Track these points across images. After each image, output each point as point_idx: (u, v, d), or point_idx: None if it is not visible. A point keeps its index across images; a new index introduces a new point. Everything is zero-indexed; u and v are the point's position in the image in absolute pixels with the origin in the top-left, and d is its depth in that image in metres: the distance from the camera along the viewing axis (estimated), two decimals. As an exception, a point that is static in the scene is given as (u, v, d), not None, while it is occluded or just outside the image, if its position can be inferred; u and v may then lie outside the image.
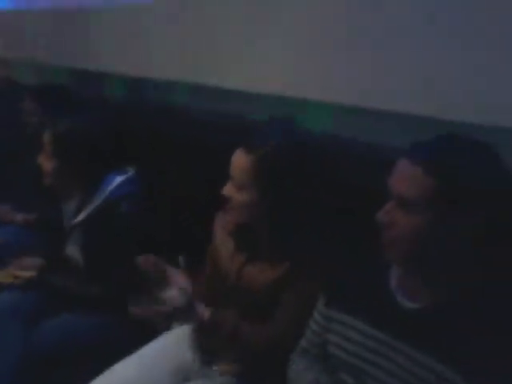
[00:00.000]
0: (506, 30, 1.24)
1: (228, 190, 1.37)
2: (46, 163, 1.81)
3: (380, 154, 1.42)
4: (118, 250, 1.71)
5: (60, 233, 1.91)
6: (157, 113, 2.21)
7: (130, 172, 1.84)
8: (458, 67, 1.33)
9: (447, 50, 1.35)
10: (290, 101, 1.72)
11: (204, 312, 1.34)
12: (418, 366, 1.00)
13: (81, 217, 1.80)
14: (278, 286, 1.34)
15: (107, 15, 2.53)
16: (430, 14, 1.37)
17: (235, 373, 1.38)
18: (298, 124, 1.62)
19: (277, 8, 1.77)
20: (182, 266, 1.40)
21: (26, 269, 1.84)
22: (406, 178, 1.00)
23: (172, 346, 1.51)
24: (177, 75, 2.14)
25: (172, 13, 2.18)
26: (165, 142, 2.04)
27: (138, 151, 2.03)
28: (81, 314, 1.71)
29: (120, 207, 1.75)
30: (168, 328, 1.57)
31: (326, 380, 1.16)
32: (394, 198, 1.02)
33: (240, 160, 1.35)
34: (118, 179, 1.79)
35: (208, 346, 1.44)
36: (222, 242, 1.49)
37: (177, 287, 1.33)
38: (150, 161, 2.00)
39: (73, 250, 1.86)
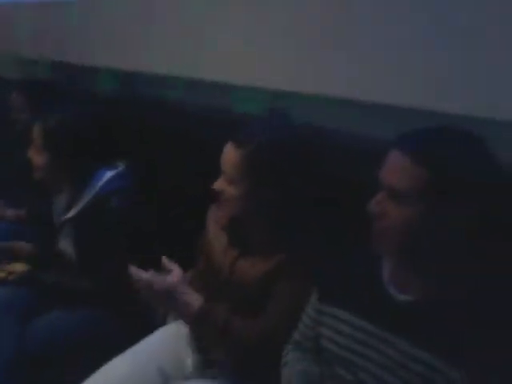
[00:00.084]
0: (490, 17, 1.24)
1: (219, 184, 1.37)
2: (36, 157, 1.80)
3: (370, 146, 1.42)
4: (108, 245, 1.71)
5: (51, 228, 1.90)
6: (148, 107, 2.20)
7: (121, 167, 1.84)
8: (447, 57, 1.33)
9: (434, 38, 1.35)
10: (281, 94, 1.72)
11: (196, 301, 1.33)
12: (410, 358, 1.00)
13: (72, 212, 1.79)
14: (270, 279, 1.33)
15: (96, 7, 2.51)
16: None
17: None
18: (289, 118, 1.61)
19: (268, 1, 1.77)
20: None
21: (18, 265, 1.83)
22: (396, 169, 1.00)
23: (167, 342, 1.51)
24: (168, 69, 2.13)
25: (163, 5, 2.16)
26: (156, 136, 2.03)
27: (129, 146, 2.02)
28: (73, 309, 1.71)
29: (110, 202, 1.74)
30: (163, 323, 1.56)
31: (314, 370, 1.16)
32: (384, 189, 1.02)
33: (230, 154, 1.35)
34: (109, 174, 1.79)
35: (199, 336, 1.43)
36: (215, 236, 1.48)
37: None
38: (141, 155, 2.00)
39: (65, 245, 1.85)
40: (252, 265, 1.38)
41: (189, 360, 1.46)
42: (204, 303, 1.34)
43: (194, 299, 1.34)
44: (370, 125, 1.50)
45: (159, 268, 1.71)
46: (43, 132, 1.78)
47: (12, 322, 1.68)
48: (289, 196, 1.35)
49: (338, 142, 1.54)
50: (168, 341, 1.51)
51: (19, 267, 1.84)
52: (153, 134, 2.05)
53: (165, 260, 1.41)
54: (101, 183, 1.76)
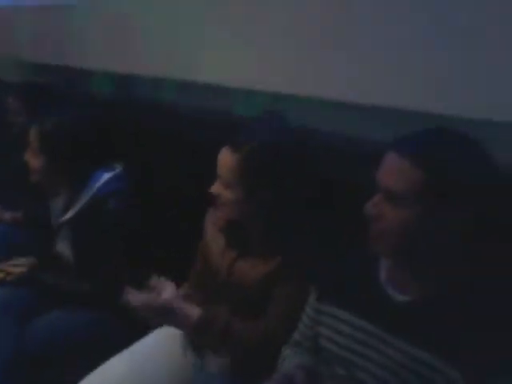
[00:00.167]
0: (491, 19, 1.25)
1: (216, 187, 1.37)
2: (33, 160, 1.79)
3: (367, 148, 1.42)
4: (106, 247, 1.71)
5: (49, 230, 1.90)
6: (143, 109, 2.20)
7: (118, 169, 1.83)
8: (446, 59, 1.33)
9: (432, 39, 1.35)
10: (278, 97, 1.72)
11: (194, 312, 1.33)
12: (409, 358, 1.01)
13: (69, 214, 1.79)
14: (269, 281, 1.34)
15: (94, 11, 2.51)
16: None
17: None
18: (285, 120, 1.62)
19: (265, 2, 1.77)
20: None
21: (17, 266, 1.83)
22: (393, 171, 1.00)
23: (164, 342, 1.51)
24: (164, 72, 2.13)
25: (159, 8, 2.16)
26: (152, 138, 2.03)
27: (126, 148, 2.02)
28: (72, 310, 1.71)
29: (108, 204, 1.74)
30: (160, 324, 1.56)
31: (310, 363, 1.17)
32: (381, 191, 1.02)
33: (226, 158, 1.35)
34: (106, 176, 1.79)
35: (200, 343, 1.43)
36: (213, 239, 1.49)
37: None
38: (137, 157, 1.99)
39: (63, 247, 1.85)
40: (251, 267, 1.38)
41: (185, 361, 1.46)
42: (202, 312, 1.34)
43: (192, 311, 1.34)
44: (367, 127, 1.50)
45: (155, 270, 1.72)
46: (40, 135, 1.78)
47: (11, 322, 1.68)
48: (285, 198, 1.36)
49: (334, 144, 1.55)
50: (164, 342, 1.51)
51: (17, 268, 1.84)
52: (149, 136, 2.05)
53: (154, 280, 1.40)
54: (98, 185, 1.76)
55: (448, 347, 0.97)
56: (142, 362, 1.45)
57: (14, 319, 1.68)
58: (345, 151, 1.50)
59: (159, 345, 1.51)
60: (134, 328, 1.53)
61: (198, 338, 1.38)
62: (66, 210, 1.81)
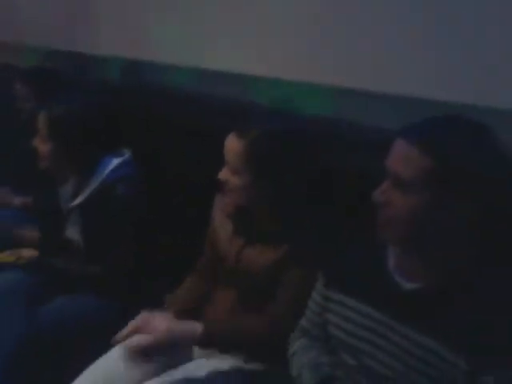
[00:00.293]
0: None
1: (223, 173, 1.37)
2: (42, 146, 1.80)
3: (375, 136, 1.42)
4: (115, 232, 1.72)
5: (58, 216, 1.91)
6: (153, 95, 2.19)
7: (126, 155, 1.84)
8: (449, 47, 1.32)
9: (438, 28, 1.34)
10: (287, 84, 1.71)
11: (195, 328, 1.34)
12: (416, 345, 1.01)
13: (78, 200, 1.80)
14: (277, 267, 1.34)
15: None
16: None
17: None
18: (292, 107, 1.61)
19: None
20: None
21: (28, 250, 1.85)
22: (402, 158, 1.00)
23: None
24: (173, 58, 2.12)
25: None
26: (160, 124, 2.03)
27: (134, 134, 2.02)
28: (81, 295, 1.72)
29: (117, 189, 1.74)
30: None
31: (326, 359, 1.17)
32: (390, 178, 1.02)
33: (232, 144, 1.35)
34: (115, 162, 1.79)
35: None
36: (221, 225, 1.49)
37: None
38: (146, 144, 2.00)
39: (72, 233, 1.86)
40: (259, 253, 1.38)
41: None
42: (205, 326, 1.33)
43: (193, 327, 1.34)
44: (375, 114, 1.50)
45: (164, 258, 1.73)
46: (49, 121, 1.78)
47: (21, 305, 1.69)
48: (292, 185, 1.36)
49: (342, 131, 1.54)
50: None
51: (28, 252, 1.86)
52: (157, 122, 2.05)
53: (139, 320, 1.40)
54: (107, 171, 1.77)
55: (455, 335, 0.97)
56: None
57: (23, 303, 1.69)
58: (352, 138, 1.50)
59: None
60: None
61: (210, 348, 1.38)
62: (75, 195, 1.82)
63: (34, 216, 2.16)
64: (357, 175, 1.40)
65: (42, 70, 2.51)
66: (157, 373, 1.36)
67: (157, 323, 1.36)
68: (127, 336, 1.37)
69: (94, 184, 1.77)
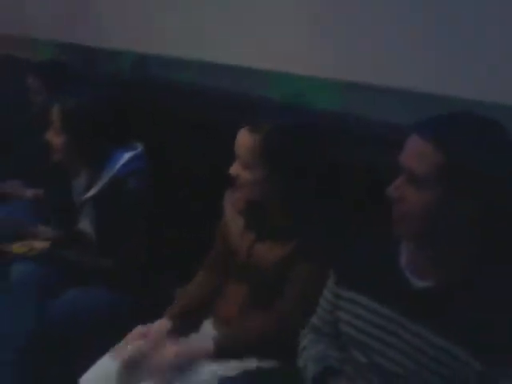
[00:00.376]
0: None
1: (235, 168, 1.37)
2: (55, 139, 1.81)
3: (386, 131, 1.41)
4: (126, 225, 1.73)
5: (71, 208, 1.92)
6: (162, 89, 2.19)
7: (138, 148, 1.84)
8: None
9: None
10: (297, 78, 1.70)
11: (207, 344, 1.34)
12: (428, 344, 1.01)
13: (90, 192, 1.81)
14: (288, 263, 1.34)
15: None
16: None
17: None
18: (304, 102, 1.60)
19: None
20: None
21: (40, 242, 1.87)
22: (416, 153, 0.99)
23: None
24: (182, 52, 2.12)
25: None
26: (171, 118, 2.03)
27: (145, 128, 2.03)
28: (91, 288, 1.73)
29: (128, 183, 1.75)
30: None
31: (334, 353, 1.18)
32: (404, 173, 1.01)
33: (244, 139, 1.35)
34: (126, 155, 1.80)
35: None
36: (232, 220, 1.49)
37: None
38: (157, 137, 1.99)
39: (84, 225, 1.88)
40: (269, 248, 1.38)
41: None
42: (216, 341, 1.34)
43: (202, 345, 1.35)
44: (386, 110, 1.49)
45: (174, 252, 1.74)
46: (62, 114, 1.79)
47: (31, 297, 1.70)
48: (304, 180, 1.35)
49: (353, 126, 1.53)
50: None
51: (40, 244, 1.87)
52: (167, 116, 2.05)
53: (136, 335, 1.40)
54: (118, 164, 1.78)
55: (468, 334, 0.96)
56: None
57: (35, 295, 1.70)
58: (361, 133, 1.49)
59: None
60: (152, 307, 1.54)
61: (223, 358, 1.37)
62: (87, 188, 1.83)
63: (45, 208, 2.17)
64: (368, 170, 1.39)
65: (54, 63, 2.51)
66: None
67: (165, 351, 1.35)
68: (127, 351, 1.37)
69: (105, 177, 1.77)
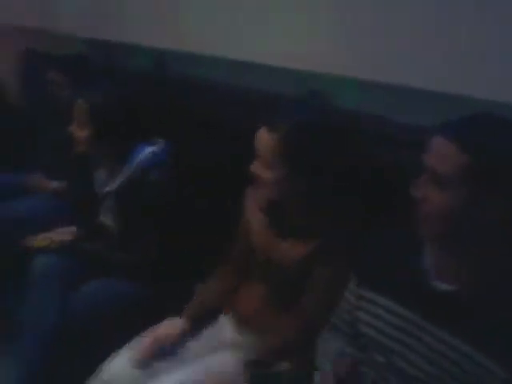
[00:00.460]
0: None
1: (255, 167, 1.36)
2: (79, 132, 1.83)
3: (407, 131, 1.40)
4: (148, 219, 1.75)
5: (92, 200, 1.95)
6: (183, 85, 2.20)
7: (159, 143, 1.86)
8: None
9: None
10: (316, 76, 1.70)
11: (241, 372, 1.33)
12: (451, 349, 1.00)
13: (112, 185, 1.83)
14: (309, 262, 1.34)
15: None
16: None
17: None
18: (323, 100, 1.60)
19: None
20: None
21: (62, 234, 1.89)
22: (440, 154, 0.99)
23: None
24: (202, 48, 2.12)
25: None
26: (191, 114, 2.04)
27: (167, 123, 2.04)
28: (114, 281, 1.74)
29: (149, 176, 1.77)
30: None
31: (351, 351, 1.17)
32: (428, 173, 1.01)
33: (264, 138, 1.34)
34: (148, 150, 1.82)
35: None
36: (253, 217, 1.49)
37: None
38: (178, 133, 2.00)
39: (106, 218, 1.90)
40: (291, 247, 1.38)
41: None
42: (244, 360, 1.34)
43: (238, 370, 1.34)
44: (405, 109, 1.47)
45: (194, 246, 1.75)
46: (87, 108, 1.81)
47: (54, 290, 1.72)
48: (325, 179, 1.35)
49: (373, 125, 1.52)
50: None
51: (61, 236, 1.88)
52: (187, 112, 2.06)
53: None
54: (140, 158, 1.80)
55: (492, 341, 0.96)
56: None
57: (57, 287, 1.72)
58: (384, 133, 1.48)
59: None
60: (170, 301, 1.56)
61: None
62: (109, 181, 1.86)
63: (68, 201, 2.19)
64: (390, 169, 1.38)
65: (77, 58, 2.53)
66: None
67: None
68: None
69: (127, 171, 1.80)
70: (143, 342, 1.42)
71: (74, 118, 1.84)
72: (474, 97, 1.31)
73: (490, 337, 0.96)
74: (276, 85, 1.82)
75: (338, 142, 1.39)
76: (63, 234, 1.90)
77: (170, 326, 1.46)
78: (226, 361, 1.36)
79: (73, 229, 1.93)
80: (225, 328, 1.48)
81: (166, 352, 1.42)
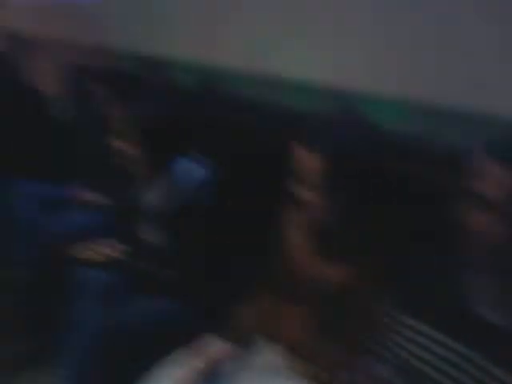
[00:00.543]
0: None
1: (296, 187, 1.36)
2: (125, 147, 1.86)
3: (447, 152, 1.38)
4: (190, 236, 1.77)
5: (136, 216, 1.98)
6: (227, 102, 2.22)
7: (203, 160, 1.89)
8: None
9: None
10: (359, 96, 1.68)
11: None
12: (492, 378, 0.97)
13: (156, 201, 1.86)
14: (351, 284, 1.32)
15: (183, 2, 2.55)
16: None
17: None
18: (367, 120, 1.58)
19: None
20: None
21: (104, 249, 1.93)
22: (486, 176, 0.98)
23: None
24: (243, 64, 2.14)
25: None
26: (236, 132, 2.05)
27: (211, 139, 2.06)
28: (158, 298, 1.75)
29: (193, 194, 1.79)
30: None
31: (392, 378, 1.16)
32: (474, 197, 0.98)
33: (305, 159, 1.33)
34: (192, 166, 1.85)
35: None
36: (294, 237, 1.48)
37: None
38: (222, 150, 2.02)
39: (150, 234, 1.92)
40: (331, 269, 1.37)
41: None
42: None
43: None
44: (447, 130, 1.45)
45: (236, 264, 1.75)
46: (133, 123, 1.84)
47: (97, 304, 1.74)
48: (367, 202, 1.33)
49: (415, 145, 1.50)
50: None
51: (106, 251, 1.92)
52: (232, 129, 2.08)
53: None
54: (185, 175, 1.82)
55: None
56: None
57: (100, 302, 1.74)
58: (428, 154, 1.46)
59: None
60: (212, 321, 1.56)
61: None
62: (153, 196, 1.89)
63: (111, 216, 2.23)
64: (433, 193, 1.36)
65: (125, 73, 2.58)
66: None
67: None
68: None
69: (172, 187, 1.83)
70: (187, 366, 1.42)
71: (119, 132, 1.88)
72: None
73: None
74: (315, 104, 1.82)
75: (381, 162, 1.37)
76: (107, 247, 1.94)
77: (215, 349, 1.46)
78: None
79: (115, 242, 1.96)
80: (268, 353, 1.48)
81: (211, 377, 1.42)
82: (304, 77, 1.85)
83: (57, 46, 3.10)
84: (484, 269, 1.04)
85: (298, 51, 1.90)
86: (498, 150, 0.98)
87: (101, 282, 1.80)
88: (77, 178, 2.50)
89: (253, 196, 1.91)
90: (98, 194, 2.41)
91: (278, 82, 1.97)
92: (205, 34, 2.38)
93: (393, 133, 1.55)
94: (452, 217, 1.02)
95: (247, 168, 1.99)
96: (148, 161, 1.87)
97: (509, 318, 1.00)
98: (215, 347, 1.46)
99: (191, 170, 1.84)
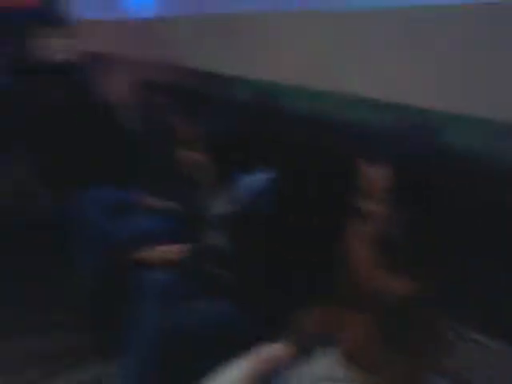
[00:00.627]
0: None
1: (360, 201, 1.36)
2: (192, 157, 1.95)
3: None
4: (253, 244, 1.80)
5: (201, 222, 2.05)
6: (288, 118, 2.27)
7: (266, 173, 1.93)
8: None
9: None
10: (430, 112, 1.68)
11: None
12: None
13: (221, 209, 1.93)
14: (412, 302, 1.31)
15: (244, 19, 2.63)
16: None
17: None
18: (437, 137, 1.58)
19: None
20: None
21: (170, 252, 1.99)
22: None
23: None
24: (309, 82, 2.18)
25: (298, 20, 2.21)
26: (297, 146, 2.09)
27: (273, 153, 2.10)
28: (219, 301, 1.78)
29: (257, 205, 1.84)
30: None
31: None
32: None
33: (372, 173, 1.34)
34: (256, 178, 1.91)
35: None
36: (358, 250, 1.48)
37: None
38: (285, 163, 2.06)
39: (214, 239, 1.98)
40: (394, 284, 1.36)
41: None
42: None
43: None
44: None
45: (297, 273, 1.77)
46: (202, 136, 1.94)
47: (161, 306, 1.77)
48: (434, 215, 1.33)
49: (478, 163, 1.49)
50: None
51: (169, 254, 1.98)
52: (293, 143, 2.11)
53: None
54: (249, 186, 1.89)
55: None
56: None
57: (164, 304, 1.77)
58: (494, 169, 1.44)
59: None
60: (274, 326, 1.58)
61: None
62: (217, 204, 1.97)
63: (176, 220, 2.29)
64: (500, 207, 1.34)
65: (191, 88, 2.69)
66: None
67: None
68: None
69: (236, 197, 1.89)
70: (245, 371, 1.43)
71: (188, 143, 1.97)
72: None
73: None
74: (378, 118, 1.83)
75: (448, 178, 1.37)
76: (173, 251, 2.00)
77: (274, 355, 1.47)
78: None
79: (181, 247, 2.02)
80: (327, 361, 1.48)
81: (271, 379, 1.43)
82: (363, 92, 1.87)
83: (129, 61, 3.24)
84: None
85: (358, 68, 1.92)
86: None
87: (163, 284, 1.85)
88: (142, 185, 2.59)
89: (317, 208, 1.93)
90: (162, 199, 2.48)
91: (344, 97, 1.99)
92: (273, 54, 2.44)
93: (459, 147, 1.54)
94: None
95: (312, 181, 2.01)
96: (214, 171, 1.95)
97: None
98: (274, 353, 1.48)
99: (256, 181, 1.89)
